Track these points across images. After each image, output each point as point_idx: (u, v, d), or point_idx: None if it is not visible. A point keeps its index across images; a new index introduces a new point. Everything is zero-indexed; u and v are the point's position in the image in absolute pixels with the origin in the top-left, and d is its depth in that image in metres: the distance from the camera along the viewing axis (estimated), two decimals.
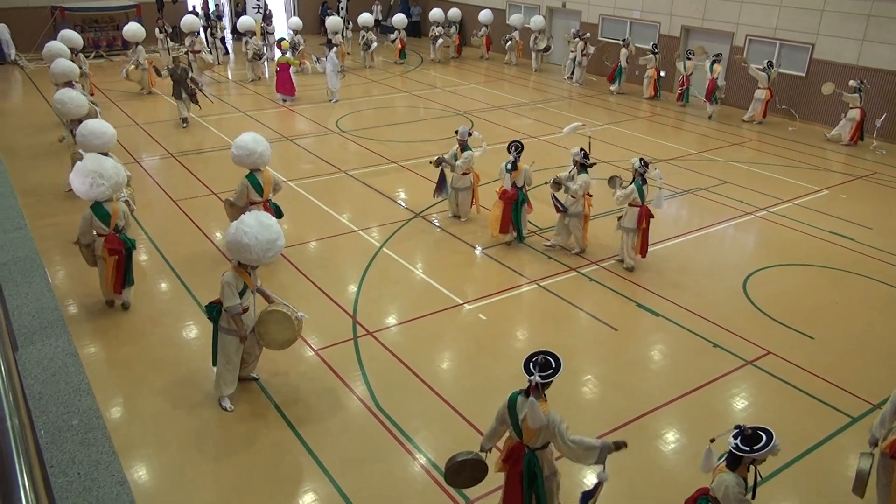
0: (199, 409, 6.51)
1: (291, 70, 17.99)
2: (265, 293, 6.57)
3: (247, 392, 6.74)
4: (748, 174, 13.32)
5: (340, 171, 12.93)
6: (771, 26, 17.27)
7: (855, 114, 15.12)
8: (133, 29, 17.95)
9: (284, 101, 17.87)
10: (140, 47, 17.69)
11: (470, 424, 6.35)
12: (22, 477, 1.26)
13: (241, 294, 6.22)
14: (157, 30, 21.77)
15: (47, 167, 12.65)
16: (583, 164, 9.28)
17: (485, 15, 23.69)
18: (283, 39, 19.18)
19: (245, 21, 20.62)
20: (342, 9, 26.04)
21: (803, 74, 16.69)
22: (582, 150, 9.30)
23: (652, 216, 9.13)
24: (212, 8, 25.18)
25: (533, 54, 22.53)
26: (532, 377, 4.64)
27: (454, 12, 24.26)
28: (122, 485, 2.42)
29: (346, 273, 9.21)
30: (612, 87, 19.78)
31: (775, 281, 9.29)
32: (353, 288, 8.77)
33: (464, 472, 4.92)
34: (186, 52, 18.59)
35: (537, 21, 22.19)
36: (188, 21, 19.33)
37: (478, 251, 9.88)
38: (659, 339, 7.92)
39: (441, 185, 10.67)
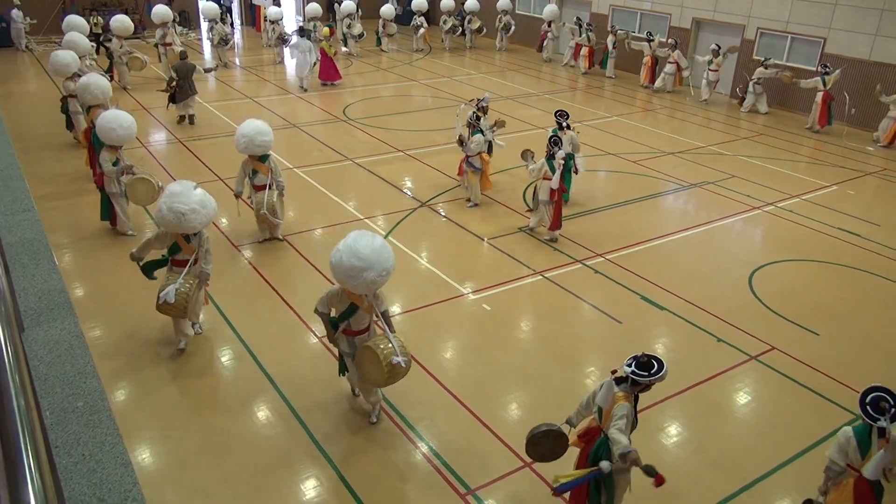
0: (203, 394, 6.55)
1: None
2: (383, 322, 5.97)
3: (251, 380, 6.77)
4: (756, 168, 13.25)
5: (347, 159, 12.92)
6: (783, 20, 17.12)
7: (818, 97, 15.49)
8: (71, 21, 16.23)
9: (325, 85, 18.02)
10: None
11: (473, 414, 6.37)
12: (27, 456, 1.27)
13: (349, 314, 5.86)
14: None
15: (57, 151, 12.68)
16: (477, 125, 10.58)
17: (504, 3, 23.51)
18: (329, 25, 19.11)
19: (209, 8, 20.25)
20: None
21: (814, 69, 16.54)
22: (475, 112, 10.75)
23: (565, 191, 9.79)
24: None
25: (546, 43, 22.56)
26: (629, 368, 4.71)
27: (447, 3, 23.87)
28: (125, 467, 2.43)
29: None
30: (607, 72, 20.53)
31: (781, 276, 9.26)
32: None
33: (545, 443, 4.99)
34: (156, 45, 18.10)
35: (550, 10, 22.07)
36: (159, 12, 18.25)
37: (483, 241, 9.87)
38: (663, 332, 7.91)
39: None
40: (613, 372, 4.85)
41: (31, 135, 13.40)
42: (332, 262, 5.63)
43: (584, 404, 5.09)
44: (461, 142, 10.49)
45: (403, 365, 5.71)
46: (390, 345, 5.73)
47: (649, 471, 4.44)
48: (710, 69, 17.52)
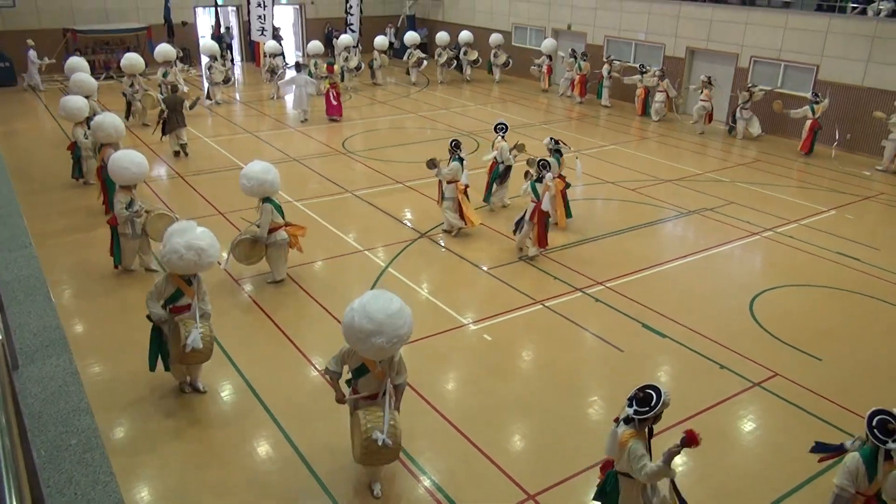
0: (201, 431, 6.49)
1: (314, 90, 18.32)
2: (392, 394, 5.46)
3: (251, 415, 6.72)
4: (754, 194, 13.29)
5: (346, 191, 12.98)
6: (775, 48, 17.34)
7: (807, 125, 15.89)
8: (73, 63, 16.08)
9: (333, 120, 18.20)
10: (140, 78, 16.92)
11: (475, 446, 6.30)
12: (10, 497, 1.25)
13: (360, 374, 5.41)
14: None
15: (62, 190, 12.77)
16: (456, 153, 10.69)
17: (495, 38, 23.79)
18: (329, 63, 19.33)
19: (209, 46, 20.35)
20: (352, 31, 26.28)
21: (808, 96, 16.69)
22: (454, 140, 10.93)
23: (548, 214, 9.84)
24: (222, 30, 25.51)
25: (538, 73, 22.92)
26: (630, 409, 4.72)
27: (442, 36, 24.19)
28: None
29: (351, 293, 9.18)
30: (602, 101, 20.77)
31: (782, 302, 9.22)
32: None
33: None
34: (159, 84, 17.95)
35: (550, 44, 22.43)
36: (162, 50, 18.30)
37: (483, 271, 9.87)
38: (665, 360, 7.86)
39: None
40: (616, 420, 4.83)
41: (35, 173, 13.52)
42: (343, 321, 5.19)
43: None
44: (432, 164, 10.62)
45: (380, 443, 5.14)
46: (381, 418, 5.23)
47: (687, 442, 4.42)
48: (700, 99, 17.75)
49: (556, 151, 11.16)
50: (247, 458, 6.11)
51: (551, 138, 11.44)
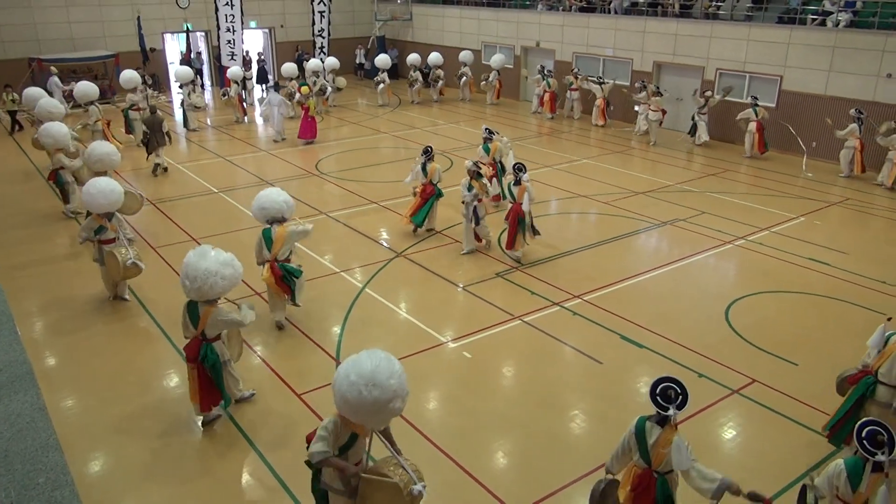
0: (179, 464, 6.34)
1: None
2: (387, 441, 4.94)
3: (230, 442, 6.59)
4: (725, 204, 13.48)
5: (321, 212, 12.93)
6: (740, 60, 17.71)
7: (752, 126, 16.67)
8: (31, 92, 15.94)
9: (308, 143, 18.13)
10: (93, 107, 15.70)
11: (457, 465, 6.25)
12: None
13: (348, 447, 4.77)
14: None
15: (27, 220, 12.54)
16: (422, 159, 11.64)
17: (465, 55, 23.99)
18: (304, 84, 19.25)
19: (184, 72, 20.14)
20: (323, 53, 26.34)
21: (773, 105, 17.06)
22: (427, 146, 11.76)
23: (522, 215, 10.15)
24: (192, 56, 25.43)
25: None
26: (669, 412, 4.76)
27: (413, 57, 24.32)
28: None
29: (328, 315, 9.13)
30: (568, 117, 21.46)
31: (757, 308, 9.33)
32: (336, 330, 8.69)
33: (608, 499, 5.01)
34: (125, 112, 17.56)
35: (499, 59, 22.83)
36: (126, 76, 17.89)
37: (460, 289, 9.86)
38: (644, 371, 7.88)
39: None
40: (663, 423, 4.84)
41: (10, 206, 13.26)
42: (349, 400, 4.47)
43: (618, 453, 5.07)
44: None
45: (415, 493, 4.61)
46: (402, 470, 4.68)
47: (755, 497, 4.56)
48: (651, 110, 18.15)
49: (487, 140, 12.69)
50: (229, 492, 5.99)
51: (486, 128, 13.05)
